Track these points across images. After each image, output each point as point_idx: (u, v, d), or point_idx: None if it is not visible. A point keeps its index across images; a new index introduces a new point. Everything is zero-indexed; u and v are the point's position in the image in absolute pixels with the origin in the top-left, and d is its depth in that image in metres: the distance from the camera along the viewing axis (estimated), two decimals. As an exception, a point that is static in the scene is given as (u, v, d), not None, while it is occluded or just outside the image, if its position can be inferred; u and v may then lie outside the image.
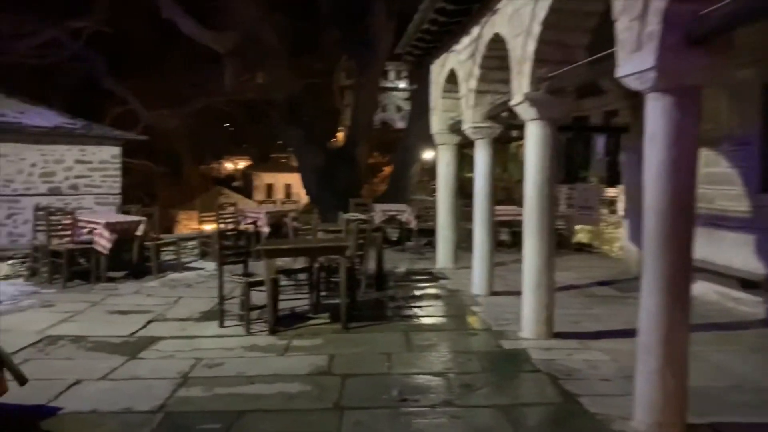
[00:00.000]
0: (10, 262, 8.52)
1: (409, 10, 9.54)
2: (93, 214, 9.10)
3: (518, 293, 6.85)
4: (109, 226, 8.51)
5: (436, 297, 7.90)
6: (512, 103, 5.95)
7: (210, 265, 9.97)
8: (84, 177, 12.70)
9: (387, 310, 7.19)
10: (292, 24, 21.95)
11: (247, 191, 41.53)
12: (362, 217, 10.20)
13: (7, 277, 8.47)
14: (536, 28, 5.43)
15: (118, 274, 9.02)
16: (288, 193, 42.09)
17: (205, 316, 6.89)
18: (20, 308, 7.10)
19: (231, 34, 18.20)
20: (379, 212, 12.01)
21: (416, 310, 7.16)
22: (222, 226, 10.83)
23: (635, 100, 9.51)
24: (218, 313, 6.49)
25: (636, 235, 9.83)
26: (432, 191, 27.08)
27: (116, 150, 13.22)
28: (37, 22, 18.53)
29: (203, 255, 10.58)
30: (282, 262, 6.96)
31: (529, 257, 5.80)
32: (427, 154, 21.83)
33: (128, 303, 7.46)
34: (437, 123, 9.69)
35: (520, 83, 5.77)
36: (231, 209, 10.85)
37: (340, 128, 39.63)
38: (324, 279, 7.34)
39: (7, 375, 3.85)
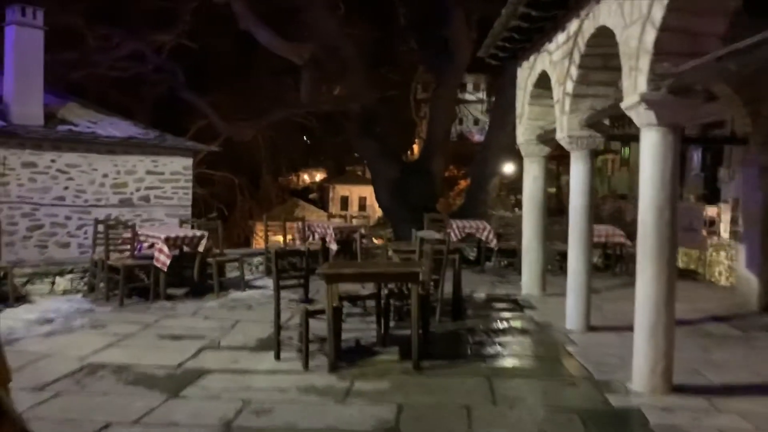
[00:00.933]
0: (69, 276, 8.09)
1: (489, 18, 8.61)
2: (154, 228, 8.60)
3: (620, 329, 5.69)
4: (169, 241, 7.95)
5: (522, 331, 6.84)
6: (624, 105, 4.88)
7: (275, 284, 9.28)
8: (155, 188, 12.39)
9: (465, 346, 6.21)
10: (370, 35, 21.42)
11: (322, 203, 41.38)
12: (437, 236, 9.26)
13: (65, 293, 8.04)
14: (658, 13, 4.37)
15: (178, 291, 8.45)
16: (363, 206, 41.64)
17: (262, 345, 6.13)
18: (70, 329, 6.57)
19: (308, 45, 17.76)
20: (456, 228, 11.03)
21: (500, 348, 6.14)
22: (289, 239, 10.15)
23: (756, 106, 8.16)
24: (276, 343, 5.71)
25: (755, 262, 8.42)
26: (512, 206, 25.78)
27: (188, 161, 12.87)
28: (122, 36, 18.74)
29: (269, 272, 9.90)
30: (347, 286, 6.12)
31: (645, 292, 4.69)
32: (507, 168, 20.71)
33: (183, 326, 6.81)
34: (524, 133, 8.65)
35: (635, 82, 4.71)
36: (298, 223, 10.15)
37: (415, 141, 38.93)
38: (395, 305, 6.46)
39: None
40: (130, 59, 19.25)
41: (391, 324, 6.27)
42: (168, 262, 7.87)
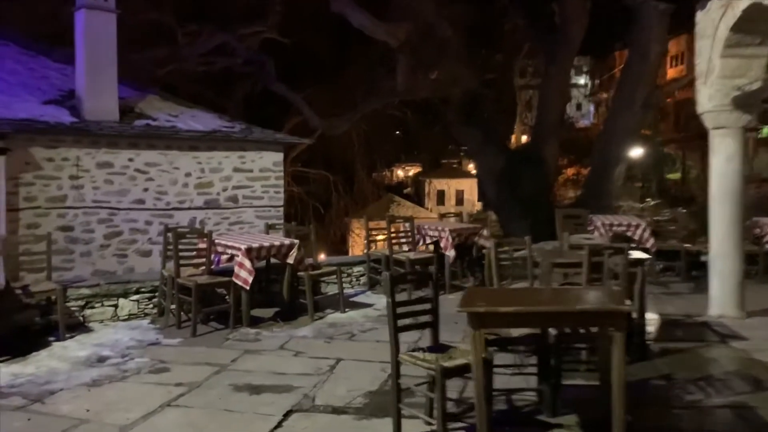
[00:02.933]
0: (135, 297, 6.53)
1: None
2: (234, 236, 6.89)
3: None
4: (252, 253, 6.21)
5: (748, 380, 4.55)
6: None
7: (381, 301, 7.38)
8: (243, 187, 10.82)
9: (673, 414, 4.01)
10: (469, 13, 19.21)
11: (418, 198, 39.45)
12: (598, 240, 7.05)
13: (130, 317, 6.48)
14: None
15: (265, 312, 6.72)
16: (460, 199, 39.38)
17: (373, 405, 4.23)
18: (123, 373, 4.91)
19: (404, 25, 15.82)
20: (602, 227, 8.73)
21: (725, 414, 3.91)
22: (394, 244, 8.19)
23: None
24: (391, 406, 3.76)
25: None
26: (639, 197, 22.79)
27: (278, 156, 11.21)
28: (212, 30, 17.58)
29: (372, 285, 8.03)
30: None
31: None
32: (634, 152, 17.97)
33: (266, 369, 5.01)
34: (712, 96, 6.23)
35: None
36: (405, 225, 8.18)
37: (514, 129, 36.23)
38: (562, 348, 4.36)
39: None
40: (219, 54, 18.08)
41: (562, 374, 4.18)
42: (250, 278, 6.13)
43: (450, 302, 7.27)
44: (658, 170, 25.90)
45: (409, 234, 7.98)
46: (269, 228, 7.49)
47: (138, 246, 9.87)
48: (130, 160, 9.93)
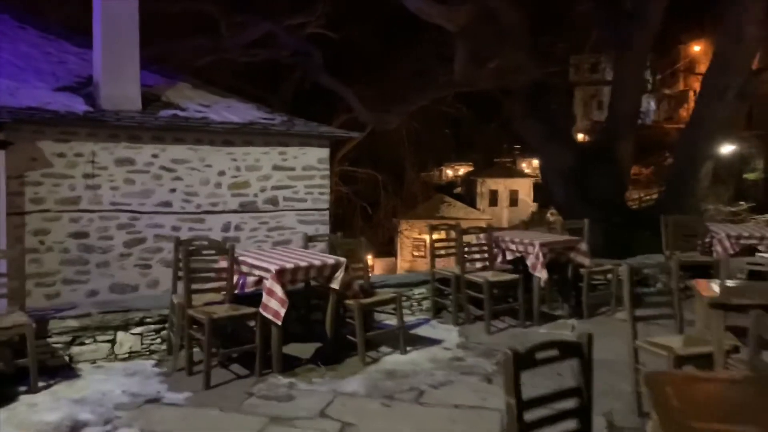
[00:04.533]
0: (139, 329, 5.01)
1: None
2: (262, 254, 5.25)
3: None
4: (284, 276, 4.62)
5: None
6: None
7: (451, 335, 5.71)
8: (284, 188, 9.29)
9: None
10: (533, -3, 17.28)
11: (469, 199, 37.49)
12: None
13: (131, 356, 4.96)
14: None
15: (303, 348, 5.14)
16: (514, 200, 37.24)
17: None
18: (97, 455, 3.38)
19: (464, 8, 14.09)
20: (726, 240, 6.82)
21: None
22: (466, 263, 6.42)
23: None
24: None
25: None
26: (728, 199, 20.36)
27: (324, 152, 9.64)
28: (257, 20, 16.22)
29: (437, 311, 6.34)
30: None
31: None
32: (724, 149, 15.75)
33: (299, 452, 3.40)
34: None
35: None
36: (480, 237, 6.42)
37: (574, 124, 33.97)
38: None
39: None
40: (263, 45, 16.72)
41: None
42: (283, 310, 4.54)
43: (541, 337, 5.53)
44: (736, 169, 23.34)
45: (485, 247, 6.25)
46: (309, 240, 5.86)
47: (164, 255, 8.46)
48: (155, 156, 8.51)
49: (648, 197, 29.92)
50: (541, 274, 5.84)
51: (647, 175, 32.67)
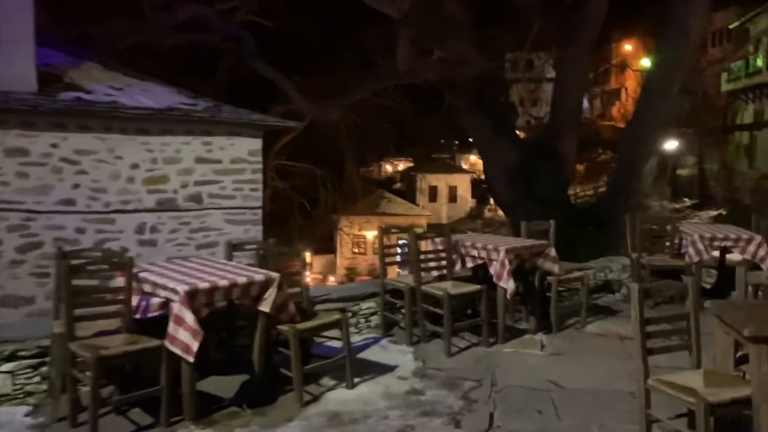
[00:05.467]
0: (7, 366, 3.83)
1: None
2: (170, 268, 4.11)
3: None
4: (197, 298, 3.57)
5: None
6: None
7: (405, 358, 4.78)
8: (209, 183, 8.12)
9: None
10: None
11: (409, 194, 36.79)
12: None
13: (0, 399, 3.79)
14: None
15: (224, 384, 4.09)
16: (453, 196, 36.80)
17: None
18: None
19: (407, -6, 13.19)
20: (699, 242, 6.17)
21: None
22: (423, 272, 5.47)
23: None
24: None
25: None
26: (676, 197, 20.32)
27: (256, 143, 8.53)
28: (185, 2, 14.78)
29: (388, 327, 5.39)
30: None
31: None
32: (670, 144, 15.52)
33: None
34: None
35: None
36: (436, 242, 5.50)
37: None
38: None
39: None
40: (193, 29, 15.28)
41: None
42: (195, 344, 3.48)
43: (509, 358, 4.69)
44: (670, 166, 23.53)
45: (442, 254, 5.34)
46: (233, 249, 4.76)
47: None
48: (54, 146, 7.20)
49: (583, 193, 30.05)
50: (508, 285, 4.98)
51: (581, 172, 32.87)
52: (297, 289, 4.47)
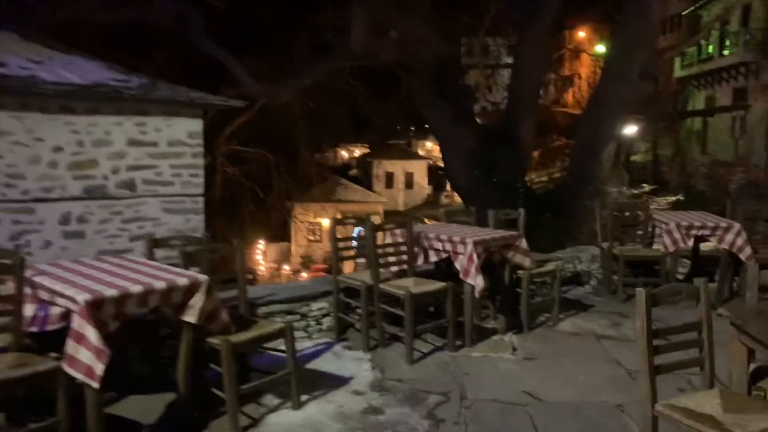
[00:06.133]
0: None
1: None
2: (73, 273, 3.34)
3: None
4: (101, 310, 2.85)
5: None
6: None
7: (361, 367, 4.16)
8: (144, 168, 7.31)
9: None
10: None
11: (366, 181, 36.10)
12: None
13: None
14: None
15: (145, 405, 3.40)
16: (409, 183, 36.31)
17: None
18: None
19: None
20: (677, 230, 5.74)
21: None
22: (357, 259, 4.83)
23: None
24: None
25: None
26: (636, 182, 20.16)
27: (196, 125, 7.73)
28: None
29: (342, 330, 4.75)
30: None
31: None
32: (628, 129, 15.26)
33: None
34: None
35: None
36: (395, 234, 4.89)
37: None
38: None
39: None
40: (131, 3, 14.17)
41: None
42: (100, 366, 2.76)
43: (477, 364, 4.14)
44: (621, 151, 23.52)
45: (402, 247, 4.72)
46: (155, 245, 4.02)
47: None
48: (-42, 125, 6.29)
49: (538, 180, 29.93)
50: (476, 282, 4.41)
51: (535, 158, 32.77)
52: (233, 293, 3.78)
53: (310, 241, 29.88)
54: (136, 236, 7.26)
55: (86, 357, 2.79)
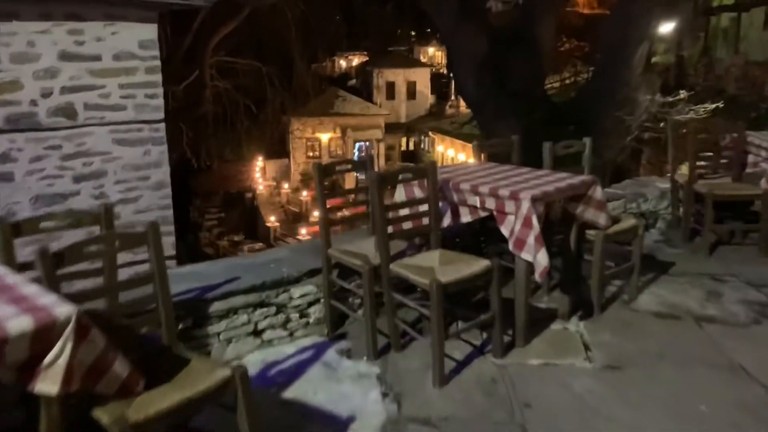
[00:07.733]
0: None
1: None
2: None
3: None
4: None
5: None
6: None
7: (368, 393, 2.69)
8: (84, 89, 5.62)
9: None
10: None
11: (366, 92, 33.83)
12: None
13: None
14: None
15: None
16: (412, 92, 34.02)
17: None
18: None
19: None
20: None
21: None
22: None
23: None
24: None
25: None
26: (659, 88, 18.05)
27: (149, 31, 5.95)
28: None
29: (335, 323, 3.28)
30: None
31: None
32: (664, 28, 13.20)
33: None
34: None
35: None
36: (413, 186, 3.32)
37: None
38: None
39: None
40: None
41: None
42: None
43: (539, 385, 2.68)
44: (651, 53, 21.29)
45: (423, 206, 3.16)
46: (13, 236, 2.44)
47: None
48: None
49: (550, 86, 27.75)
50: (537, 259, 2.88)
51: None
52: (148, 290, 2.27)
53: (309, 157, 28.19)
54: (82, 176, 5.71)
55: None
